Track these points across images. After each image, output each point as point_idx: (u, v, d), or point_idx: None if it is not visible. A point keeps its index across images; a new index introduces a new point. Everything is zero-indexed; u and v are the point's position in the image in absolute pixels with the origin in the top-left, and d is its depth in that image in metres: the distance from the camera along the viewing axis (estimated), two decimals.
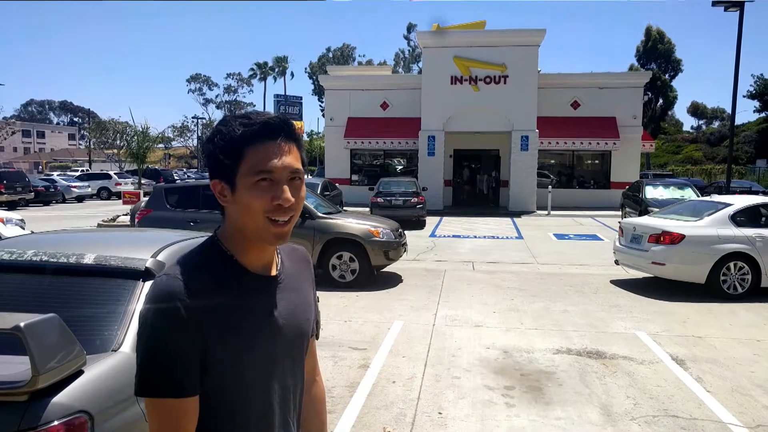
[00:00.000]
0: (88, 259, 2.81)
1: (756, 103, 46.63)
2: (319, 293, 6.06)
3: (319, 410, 1.57)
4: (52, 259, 2.82)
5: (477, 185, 27.60)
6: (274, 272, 1.31)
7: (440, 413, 4.49)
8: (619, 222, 10.61)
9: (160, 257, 2.91)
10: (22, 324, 1.84)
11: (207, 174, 1.34)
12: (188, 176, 44.68)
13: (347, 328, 6.89)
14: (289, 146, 1.22)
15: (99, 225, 16.82)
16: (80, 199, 31.61)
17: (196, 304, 1.12)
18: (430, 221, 19.16)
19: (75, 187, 31.56)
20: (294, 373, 1.34)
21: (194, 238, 3.41)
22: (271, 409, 1.26)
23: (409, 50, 71.08)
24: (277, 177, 1.19)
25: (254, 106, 79.83)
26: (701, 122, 72.19)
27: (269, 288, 1.28)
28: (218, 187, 1.23)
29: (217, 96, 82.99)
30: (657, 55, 48.13)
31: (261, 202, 1.18)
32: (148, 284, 2.71)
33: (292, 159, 1.22)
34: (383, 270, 9.91)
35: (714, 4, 19.06)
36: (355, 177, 27.52)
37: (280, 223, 1.20)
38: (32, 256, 2.85)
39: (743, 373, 5.43)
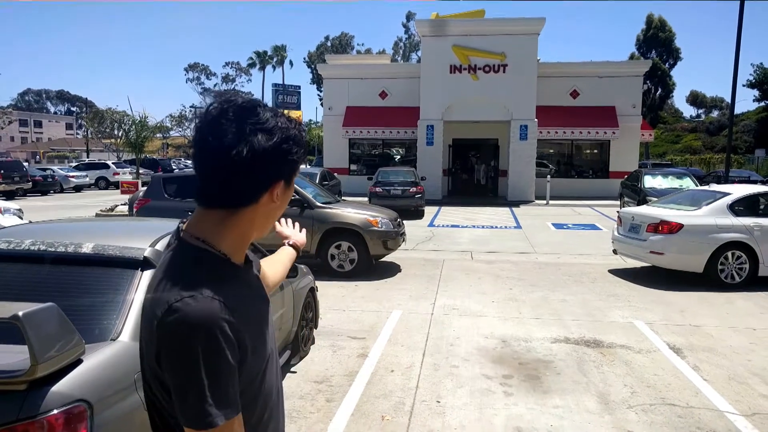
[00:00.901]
0: (86, 248, 2.81)
1: (755, 92, 46.54)
2: (318, 283, 6.09)
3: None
4: (50, 249, 2.82)
5: (475, 175, 27.47)
6: (242, 261, 1.30)
7: (439, 402, 4.51)
8: (618, 211, 10.62)
9: (158, 246, 2.90)
10: (20, 313, 1.84)
11: None
12: (186, 166, 44.57)
13: (346, 317, 6.91)
14: None
15: (97, 215, 16.80)
16: (78, 188, 31.56)
17: (231, 317, 1.08)
18: (429, 211, 19.15)
19: (73, 176, 31.51)
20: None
21: None
22: (278, 388, 1.29)
23: (407, 39, 70.75)
24: None
25: (252, 95, 79.56)
26: (700, 111, 72.13)
27: (252, 277, 1.30)
28: (276, 188, 1.19)
29: (215, 85, 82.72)
30: (657, 44, 47.98)
31: None
32: (147, 273, 2.71)
33: None
34: (382, 260, 9.92)
35: None
36: (353, 166, 27.46)
37: None
38: (30, 245, 2.85)
39: (740, 362, 5.45)
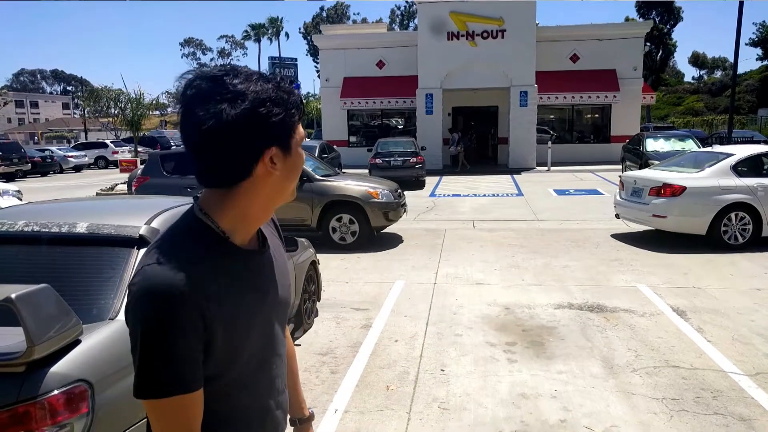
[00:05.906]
0: (81, 227, 2.76)
1: (758, 51, 45.88)
2: (319, 256, 6.08)
3: (291, 365, 1.53)
4: (44, 229, 2.77)
5: (450, 144, 25.70)
6: (255, 245, 1.23)
7: (443, 370, 4.52)
8: (620, 176, 10.54)
9: (154, 224, 2.86)
10: (13, 295, 1.82)
11: None
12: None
13: (349, 289, 6.92)
14: None
15: (97, 194, 16.77)
16: (78, 168, 31.49)
17: (197, 294, 1.02)
18: (430, 181, 19.08)
19: (72, 156, 31.41)
20: (283, 341, 1.31)
21: (189, 204, 3.35)
22: (271, 384, 1.24)
23: (404, 6, 69.62)
24: None
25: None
26: (703, 72, 71.21)
27: (259, 264, 1.21)
28: (268, 155, 1.08)
29: (211, 60, 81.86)
30: (657, 4, 47.15)
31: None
32: (143, 251, 2.68)
33: None
34: (383, 231, 9.90)
35: None
36: (352, 138, 27.27)
37: None
38: (23, 226, 2.81)
39: (743, 323, 5.45)
